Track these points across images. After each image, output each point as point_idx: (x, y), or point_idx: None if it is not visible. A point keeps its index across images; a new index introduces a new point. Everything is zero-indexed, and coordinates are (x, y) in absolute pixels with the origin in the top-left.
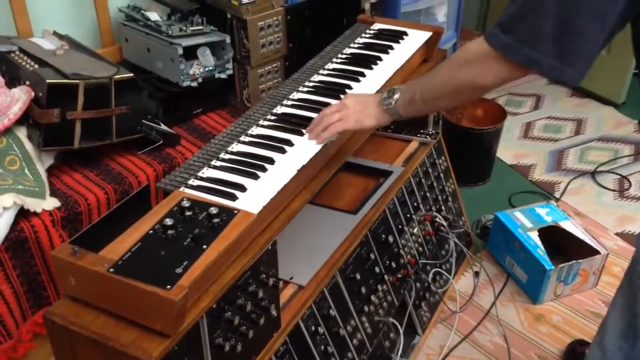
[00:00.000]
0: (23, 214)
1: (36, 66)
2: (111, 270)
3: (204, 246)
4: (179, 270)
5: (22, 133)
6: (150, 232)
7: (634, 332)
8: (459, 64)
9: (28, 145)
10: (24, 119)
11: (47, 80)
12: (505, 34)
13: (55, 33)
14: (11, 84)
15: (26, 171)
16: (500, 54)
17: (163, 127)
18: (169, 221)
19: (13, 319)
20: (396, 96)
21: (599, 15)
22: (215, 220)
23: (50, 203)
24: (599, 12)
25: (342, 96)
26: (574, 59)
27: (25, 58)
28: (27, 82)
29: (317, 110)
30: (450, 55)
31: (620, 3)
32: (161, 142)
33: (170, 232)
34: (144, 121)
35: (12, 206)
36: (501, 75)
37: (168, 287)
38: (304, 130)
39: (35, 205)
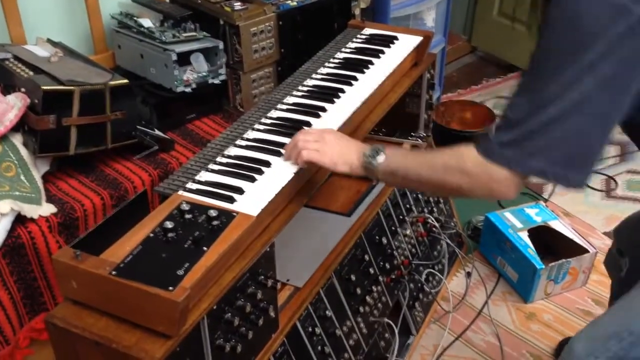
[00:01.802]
0: (20, 220)
1: (31, 73)
2: (113, 273)
3: (204, 248)
4: (180, 272)
5: (17, 140)
6: (151, 235)
7: None
8: (453, 168)
9: (24, 152)
10: (19, 126)
11: (43, 87)
12: (505, 148)
13: (49, 40)
14: (6, 91)
15: (22, 177)
16: (501, 168)
17: (157, 132)
18: (169, 224)
19: (10, 325)
20: (380, 159)
21: (602, 124)
22: (215, 222)
23: (47, 209)
24: (602, 120)
25: (335, 100)
26: (578, 165)
27: (19, 65)
28: (23, 89)
29: (311, 114)
30: (447, 150)
31: (620, 108)
32: (156, 147)
33: (170, 234)
34: (138, 127)
35: (9, 212)
36: (494, 191)
37: (170, 288)
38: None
39: (32, 211)
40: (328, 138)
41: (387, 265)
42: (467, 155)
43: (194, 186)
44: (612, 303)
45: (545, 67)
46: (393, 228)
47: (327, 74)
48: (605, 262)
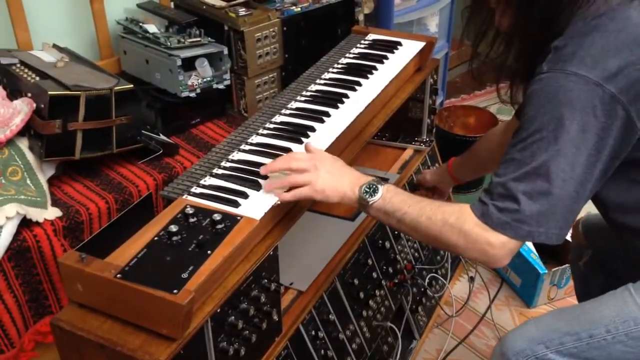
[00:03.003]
0: (25, 223)
1: (37, 78)
2: (118, 276)
3: (209, 252)
4: (184, 275)
5: (23, 144)
6: (156, 238)
7: None
8: (452, 226)
9: (30, 156)
10: (25, 130)
11: (49, 92)
12: (501, 213)
13: (55, 46)
14: (13, 96)
15: (28, 182)
16: (496, 232)
17: (162, 137)
18: (173, 228)
19: (15, 328)
20: (376, 197)
21: (582, 189)
22: (219, 226)
23: (52, 213)
24: (583, 186)
25: (339, 105)
26: (560, 226)
27: (26, 70)
28: (29, 94)
29: (315, 119)
30: (445, 208)
31: (595, 174)
32: (160, 151)
33: (175, 238)
34: (143, 131)
35: (14, 216)
36: (487, 255)
37: (175, 291)
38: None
39: (37, 215)
40: (321, 166)
41: (390, 270)
42: (466, 216)
43: (199, 190)
44: (577, 292)
45: (533, 140)
46: (396, 232)
47: (331, 79)
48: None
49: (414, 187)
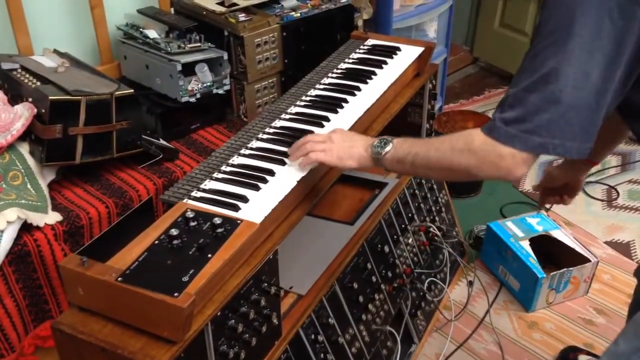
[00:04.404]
0: (26, 228)
1: (38, 83)
2: (119, 279)
3: (209, 255)
4: (185, 279)
5: (24, 149)
6: (156, 242)
7: None
8: (461, 149)
9: (30, 161)
10: (26, 135)
11: (50, 97)
12: (508, 125)
13: (55, 51)
14: (14, 100)
15: (29, 186)
16: (505, 146)
17: (162, 141)
18: (174, 231)
19: (15, 332)
20: (388, 148)
21: (597, 97)
22: (219, 230)
23: (53, 217)
24: (598, 94)
25: (338, 110)
26: (575, 135)
27: (27, 75)
28: (30, 99)
29: (315, 124)
30: (454, 134)
31: (615, 82)
32: (160, 156)
33: (175, 242)
34: (143, 136)
35: (15, 220)
36: (502, 170)
37: (175, 294)
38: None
39: (38, 219)
40: (335, 137)
41: (390, 274)
42: (474, 136)
43: (199, 194)
44: (632, 308)
45: (543, 45)
46: (395, 237)
47: (331, 84)
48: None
49: (414, 193)
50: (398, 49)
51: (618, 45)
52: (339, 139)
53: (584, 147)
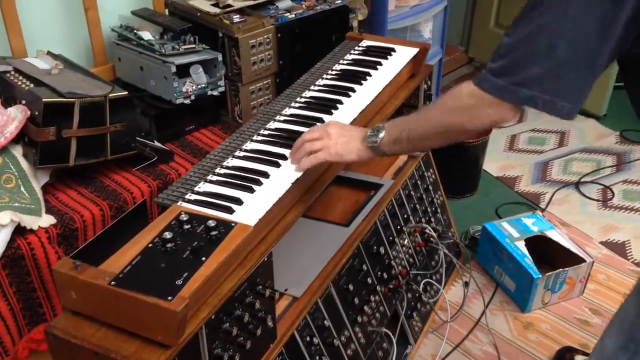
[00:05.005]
0: (19, 231)
1: (32, 85)
2: (112, 283)
3: (203, 258)
4: (179, 282)
5: (18, 151)
6: (150, 245)
7: (637, 346)
8: (450, 107)
9: (24, 164)
10: (19, 138)
11: (43, 99)
12: (498, 77)
13: (49, 53)
14: (7, 103)
15: (22, 189)
16: (494, 97)
17: (156, 143)
18: (168, 234)
19: (9, 335)
20: (381, 134)
21: (592, 53)
22: (213, 232)
23: (46, 220)
24: (593, 50)
25: (333, 112)
26: (567, 94)
27: (20, 78)
28: (23, 101)
29: (309, 125)
30: (439, 98)
31: (611, 39)
32: (155, 158)
33: (169, 245)
34: (137, 138)
35: (8, 224)
36: (493, 117)
37: (169, 298)
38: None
39: (31, 222)
40: (331, 132)
41: (385, 275)
42: (460, 91)
43: (193, 197)
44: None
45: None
46: (391, 238)
47: (325, 86)
48: None
49: (409, 194)
50: (393, 50)
51: (619, 2)
52: (335, 133)
53: (575, 108)
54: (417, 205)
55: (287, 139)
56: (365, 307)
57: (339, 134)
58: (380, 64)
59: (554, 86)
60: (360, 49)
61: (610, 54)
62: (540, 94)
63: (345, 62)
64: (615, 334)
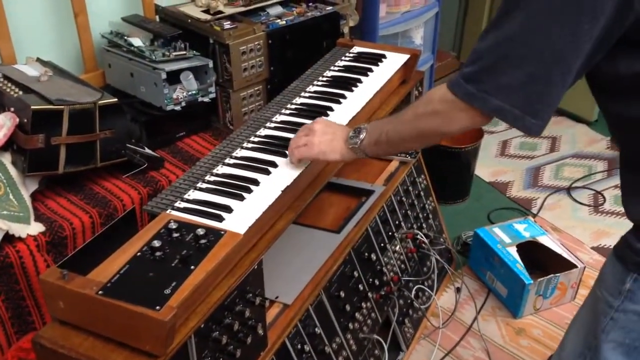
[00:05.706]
0: (8, 239)
1: (20, 92)
2: (100, 292)
3: (192, 267)
4: (167, 291)
5: (6, 159)
6: (138, 254)
7: (593, 354)
8: (424, 112)
9: (12, 171)
10: (8, 145)
11: (32, 107)
12: (468, 83)
13: (38, 59)
14: None
15: (11, 197)
16: (464, 103)
17: (147, 150)
18: (156, 243)
19: None
20: (362, 136)
21: (562, 68)
22: (203, 241)
23: (35, 228)
24: (562, 64)
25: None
26: (536, 110)
27: (9, 85)
28: (12, 109)
29: None
30: (416, 101)
31: (582, 54)
32: (145, 165)
33: (158, 253)
34: (127, 145)
35: None
36: (465, 123)
37: (157, 308)
38: (287, 152)
39: (20, 230)
40: (316, 128)
41: (377, 282)
42: (432, 96)
43: (182, 205)
44: None
45: (508, 5)
46: (382, 244)
47: (316, 92)
48: None
49: (401, 200)
50: (384, 56)
51: (592, 18)
52: (320, 131)
53: (544, 125)
54: (409, 211)
55: (278, 146)
56: (357, 314)
57: (324, 131)
58: (371, 70)
59: (524, 101)
60: (351, 55)
61: (580, 70)
62: (510, 106)
63: (336, 68)
64: (574, 339)
